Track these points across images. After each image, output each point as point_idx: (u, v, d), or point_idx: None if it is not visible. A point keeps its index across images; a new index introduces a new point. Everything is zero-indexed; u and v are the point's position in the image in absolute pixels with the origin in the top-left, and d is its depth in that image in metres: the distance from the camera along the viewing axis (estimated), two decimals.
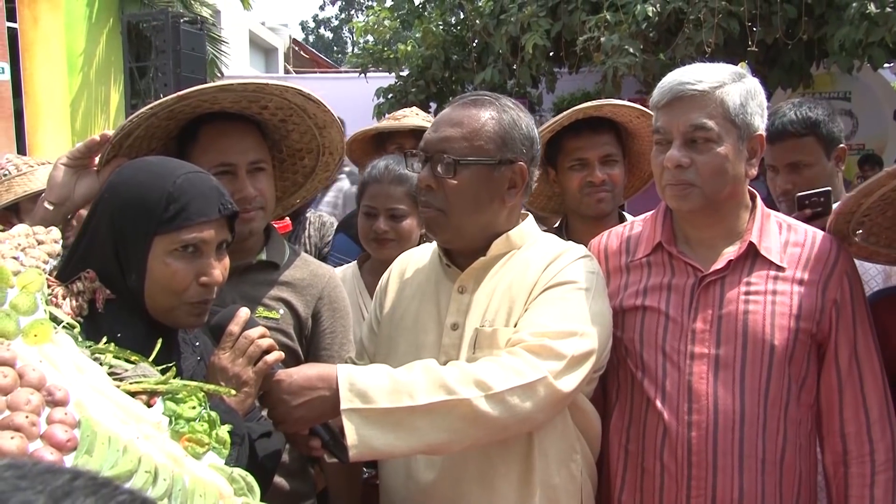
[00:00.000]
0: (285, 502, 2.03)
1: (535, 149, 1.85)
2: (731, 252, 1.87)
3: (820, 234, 1.92)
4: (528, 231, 1.87)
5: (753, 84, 1.87)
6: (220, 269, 1.50)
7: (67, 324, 1.23)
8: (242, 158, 1.94)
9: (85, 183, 1.88)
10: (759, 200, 1.94)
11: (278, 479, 1.92)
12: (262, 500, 1.18)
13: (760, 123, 1.86)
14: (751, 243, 1.86)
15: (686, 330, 1.85)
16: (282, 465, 1.74)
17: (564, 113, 2.47)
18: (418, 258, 2.00)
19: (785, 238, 1.89)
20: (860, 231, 1.92)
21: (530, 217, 1.93)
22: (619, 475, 1.96)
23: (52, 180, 1.87)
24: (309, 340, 2.11)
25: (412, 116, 3.55)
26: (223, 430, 1.22)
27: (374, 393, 1.53)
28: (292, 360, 1.92)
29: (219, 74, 11.62)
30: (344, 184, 4.58)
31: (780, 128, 2.52)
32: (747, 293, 1.84)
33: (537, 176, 1.90)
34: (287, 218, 3.34)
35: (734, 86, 1.82)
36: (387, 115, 3.71)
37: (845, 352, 1.84)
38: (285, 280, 2.08)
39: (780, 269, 1.85)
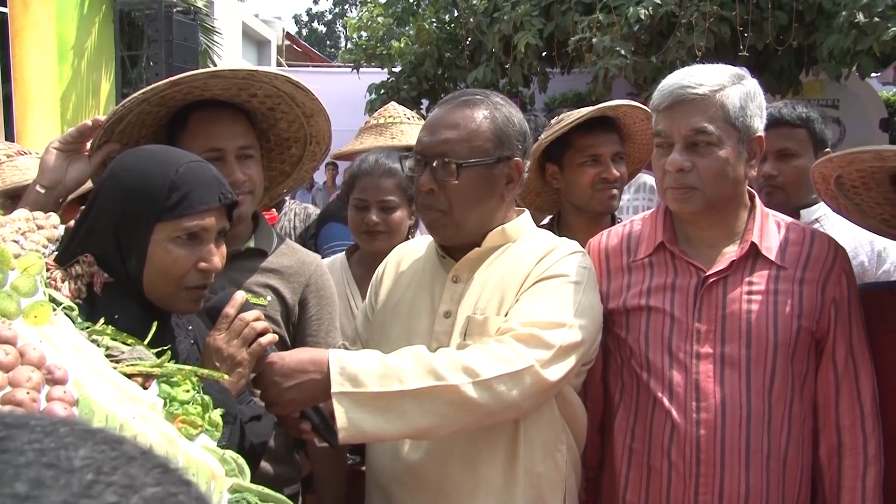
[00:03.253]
0: (270, 486, 2.07)
1: (528, 143, 1.89)
2: (732, 252, 1.90)
3: (818, 233, 1.96)
4: (523, 225, 1.92)
5: (752, 85, 1.89)
6: (218, 256, 1.54)
7: (66, 306, 1.26)
8: (231, 144, 1.97)
9: (76, 167, 1.91)
10: (757, 200, 1.97)
11: (263, 464, 1.95)
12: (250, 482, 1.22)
13: (760, 124, 1.88)
14: (752, 243, 1.89)
15: (691, 330, 1.88)
16: (267, 450, 1.77)
17: (583, 110, 2.53)
18: (415, 249, 2.05)
19: (784, 237, 1.92)
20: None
21: (526, 212, 1.97)
22: (624, 474, 1.99)
23: (44, 164, 1.89)
24: (296, 327, 2.14)
25: (404, 124, 3.58)
26: (216, 414, 1.25)
27: (364, 377, 1.57)
28: (280, 346, 1.95)
29: (211, 65, 11.58)
30: None
31: (775, 116, 2.62)
32: (750, 292, 1.87)
33: (528, 167, 1.94)
34: (274, 210, 3.37)
35: (734, 88, 1.84)
36: (372, 114, 3.71)
37: (842, 348, 1.88)
38: (273, 267, 2.11)
39: (780, 268, 1.88)
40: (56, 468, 0.38)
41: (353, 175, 2.66)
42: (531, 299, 1.75)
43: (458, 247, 1.88)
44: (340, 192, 2.77)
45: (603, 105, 2.52)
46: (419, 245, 2.05)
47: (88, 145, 1.94)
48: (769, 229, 1.93)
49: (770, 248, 1.90)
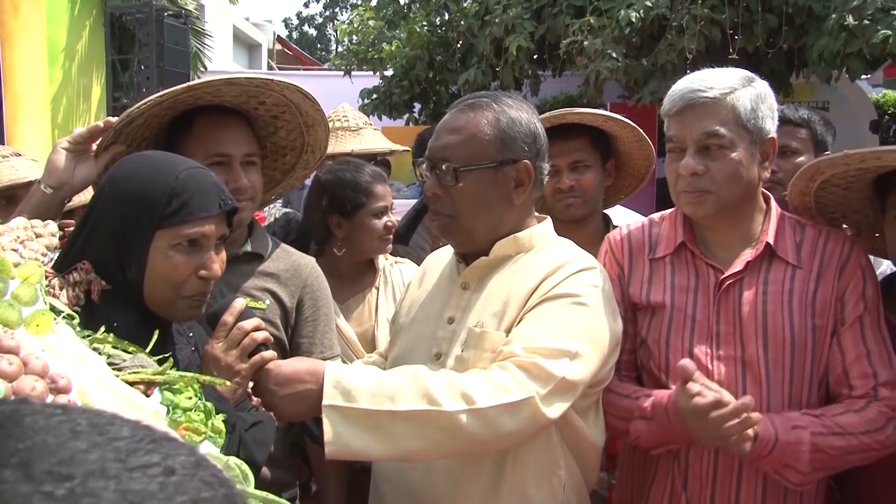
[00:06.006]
0: (269, 492, 2.07)
1: (539, 144, 1.83)
2: (748, 254, 1.90)
3: (834, 231, 1.95)
4: (540, 234, 1.86)
5: (763, 87, 1.90)
6: (218, 263, 1.54)
7: (67, 315, 1.26)
8: (238, 150, 1.98)
9: (84, 168, 1.90)
10: (773, 202, 1.97)
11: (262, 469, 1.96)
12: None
13: (771, 126, 1.89)
14: (767, 244, 1.89)
15: (711, 332, 1.88)
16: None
17: None
18: (443, 255, 2.02)
19: (800, 237, 1.92)
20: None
21: (548, 220, 1.92)
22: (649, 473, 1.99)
23: (52, 164, 1.88)
24: (292, 329, 2.15)
25: (366, 129, 3.60)
26: (218, 420, 1.25)
27: (357, 393, 1.53)
28: (278, 349, 1.96)
29: (202, 69, 11.57)
30: None
31: (778, 115, 2.66)
32: (765, 293, 1.87)
33: (548, 171, 1.89)
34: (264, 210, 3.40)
35: (744, 91, 1.84)
36: (344, 120, 3.67)
37: (852, 333, 1.83)
38: (270, 271, 2.13)
39: (796, 268, 1.88)
40: (106, 436, 0.48)
41: (368, 186, 2.68)
42: (536, 321, 1.68)
43: (474, 253, 1.85)
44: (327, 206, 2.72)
45: (547, 115, 2.45)
46: (446, 252, 2.02)
47: (94, 146, 1.93)
48: (785, 230, 1.93)
49: (785, 249, 1.90)
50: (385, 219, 2.68)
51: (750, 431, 1.68)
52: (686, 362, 1.71)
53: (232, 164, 1.96)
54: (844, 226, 2.02)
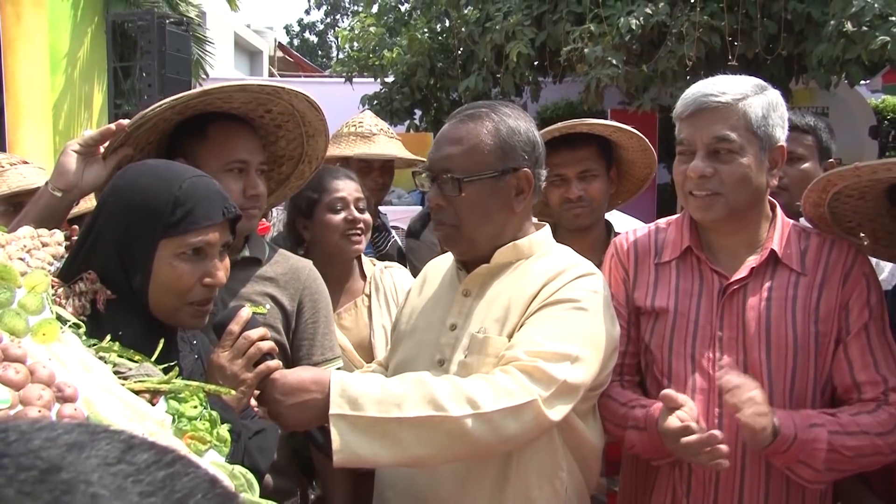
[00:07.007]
0: (270, 499, 2.08)
1: (538, 152, 1.87)
2: (752, 260, 1.91)
3: (839, 239, 1.96)
4: (539, 241, 1.89)
5: (775, 96, 1.91)
6: (223, 271, 1.55)
7: (73, 323, 1.27)
8: (255, 158, 2.00)
9: (93, 170, 1.88)
10: (779, 210, 1.98)
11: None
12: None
13: (782, 135, 1.90)
14: (772, 251, 1.90)
15: (714, 338, 1.89)
16: None
17: (541, 131, 2.53)
18: (443, 263, 2.04)
19: (805, 245, 1.93)
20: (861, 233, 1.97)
21: (546, 227, 1.94)
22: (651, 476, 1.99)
23: (62, 166, 1.85)
24: (293, 332, 2.16)
25: (380, 136, 3.56)
26: (223, 429, 1.26)
27: (364, 401, 1.55)
28: (281, 354, 1.96)
29: (203, 76, 11.59)
30: None
31: None
32: (769, 300, 1.88)
33: (545, 176, 1.92)
34: (264, 219, 3.39)
35: (756, 98, 1.86)
36: (359, 126, 3.62)
37: (858, 342, 1.84)
38: (268, 276, 2.14)
39: (800, 274, 1.89)
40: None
41: (319, 182, 2.64)
42: (537, 325, 1.71)
43: (474, 260, 1.87)
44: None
45: (561, 125, 2.48)
46: (446, 259, 2.03)
47: (102, 149, 1.92)
48: (790, 238, 1.94)
49: (790, 256, 1.91)
50: (344, 213, 2.58)
51: (724, 461, 1.71)
52: (669, 392, 1.74)
53: (249, 171, 1.97)
54: (862, 234, 2.02)
